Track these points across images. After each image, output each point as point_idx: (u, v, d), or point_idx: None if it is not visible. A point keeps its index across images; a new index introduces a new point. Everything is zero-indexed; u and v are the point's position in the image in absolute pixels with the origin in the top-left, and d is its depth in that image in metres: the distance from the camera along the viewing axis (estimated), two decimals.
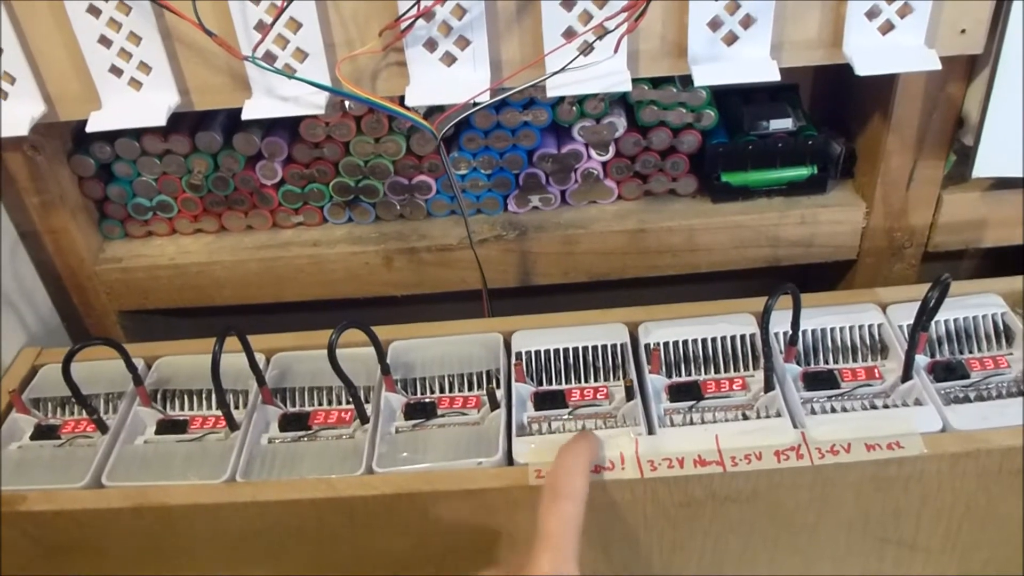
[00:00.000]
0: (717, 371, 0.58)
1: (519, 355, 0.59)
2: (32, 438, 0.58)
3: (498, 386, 0.57)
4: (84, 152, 0.67)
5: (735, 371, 0.58)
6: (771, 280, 0.70)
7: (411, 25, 0.54)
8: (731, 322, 0.59)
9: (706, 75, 0.56)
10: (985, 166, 0.63)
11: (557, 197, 0.70)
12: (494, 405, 0.55)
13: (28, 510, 0.53)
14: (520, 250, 0.70)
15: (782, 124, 0.66)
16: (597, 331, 0.60)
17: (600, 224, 0.69)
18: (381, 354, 0.56)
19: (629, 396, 0.55)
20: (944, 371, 0.56)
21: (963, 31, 0.56)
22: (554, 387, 0.58)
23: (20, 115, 0.58)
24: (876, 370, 0.57)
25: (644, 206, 0.70)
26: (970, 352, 0.58)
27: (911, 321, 0.55)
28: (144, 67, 0.57)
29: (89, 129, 0.58)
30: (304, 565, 0.56)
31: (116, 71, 0.57)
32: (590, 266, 0.71)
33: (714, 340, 0.59)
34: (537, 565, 0.42)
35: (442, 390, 0.59)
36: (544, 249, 0.70)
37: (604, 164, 0.69)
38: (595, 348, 0.59)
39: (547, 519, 0.44)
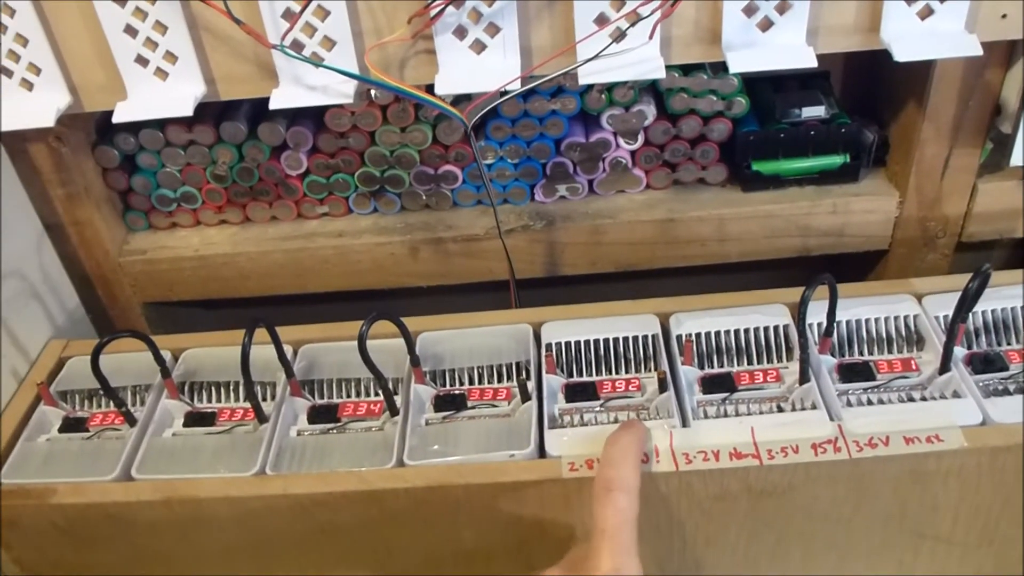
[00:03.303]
0: (750, 363, 0.57)
1: (549, 346, 0.58)
2: (60, 431, 0.58)
3: (528, 378, 0.56)
4: (108, 143, 0.67)
5: (769, 363, 0.57)
6: (802, 270, 0.70)
7: (440, 12, 0.54)
8: (764, 313, 0.58)
9: (741, 62, 0.55)
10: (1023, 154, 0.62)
11: (585, 186, 0.69)
12: (525, 397, 0.55)
13: (58, 503, 0.53)
14: (547, 240, 0.69)
15: (814, 112, 0.65)
16: (628, 322, 0.59)
17: (628, 214, 0.68)
18: (411, 345, 0.55)
19: (662, 388, 0.54)
20: (982, 363, 0.55)
21: (1004, 15, 0.54)
22: (585, 379, 0.57)
23: (46, 106, 0.57)
24: (912, 362, 0.56)
25: (673, 195, 0.69)
26: (1008, 344, 0.57)
27: (947, 312, 0.54)
28: (170, 57, 0.56)
29: (115, 120, 0.58)
30: (334, 558, 0.56)
31: (142, 61, 0.56)
32: (618, 256, 0.70)
33: (747, 331, 0.58)
34: (597, 562, 0.42)
35: (471, 382, 0.58)
36: (572, 239, 0.69)
37: (633, 153, 0.68)
38: (626, 339, 0.58)
39: (602, 514, 0.44)
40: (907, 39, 0.54)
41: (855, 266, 0.74)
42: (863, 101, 0.70)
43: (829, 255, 0.70)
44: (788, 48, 0.55)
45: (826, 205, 0.67)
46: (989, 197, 0.66)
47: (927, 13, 0.54)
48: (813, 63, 0.54)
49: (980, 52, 0.54)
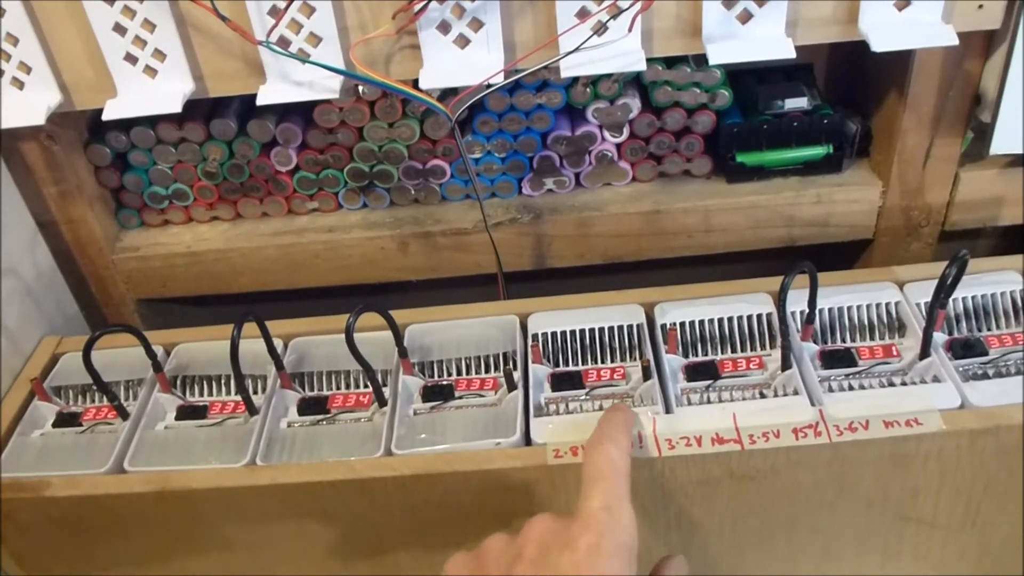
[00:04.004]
0: (734, 350, 0.58)
1: (535, 337, 0.59)
2: (54, 425, 0.59)
3: (515, 368, 0.57)
4: (100, 141, 0.68)
5: (752, 350, 0.58)
6: (787, 260, 0.70)
7: (424, 7, 0.54)
8: (748, 301, 0.59)
9: (721, 53, 0.56)
10: (1002, 143, 0.62)
11: (571, 180, 0.70)
12: (511, 386, 0.56)
13: (52, 495, 0.54)
14: (535, 233, 0.70)
15: (797, 103, 0.66)
16: (613, 312, 0.60)
17: (615, 206, 0.69)
18: (398, 337, 0.56)
19: (646, 376, 0.55)
20: (962, 348, 0.56)
21: (980, 6, 0.55)
22: (571, 368, 0.58)
23: (37, 104, 0.58)
24: (894, 348, 0.56)
25: (659, 187, 0.70)
26: (988, 329, 0.58)
27: (928, 299, 0.55)
28: (159, 54, 0.57)
29: (105, 117, 0.58)
30: (325, 547, 0.56)
31: (131, 59, 0.57)
32: (605, 248, 0.71)
33: (731, 320, 0.59)
34: (588, 503, 0.41)
35: (459, 372, 0.59)
36: (559, 232, 0.70)
37: (618, 146, 0.69)
38: (611, 329, 0.59)
39: (592, 460, 0.43)
40: (884, 30, 0.55)
41: (840, 256, 0.74)
42: (846, 92, 0.71)
43: (814, 245, 0.71)
44: (767, 40, 0.56)
45: (810, 195, 0.68)
46: (971, 186, 0.67)
47: (904, 4, 0.55)
48: (792, 54, 0.55)
49: (956, 42, 0.55)
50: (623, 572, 0.39)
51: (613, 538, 0.40)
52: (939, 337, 0.56)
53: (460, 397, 0.57)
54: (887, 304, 0.59)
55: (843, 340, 0.58)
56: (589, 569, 0.39)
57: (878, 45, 0.55)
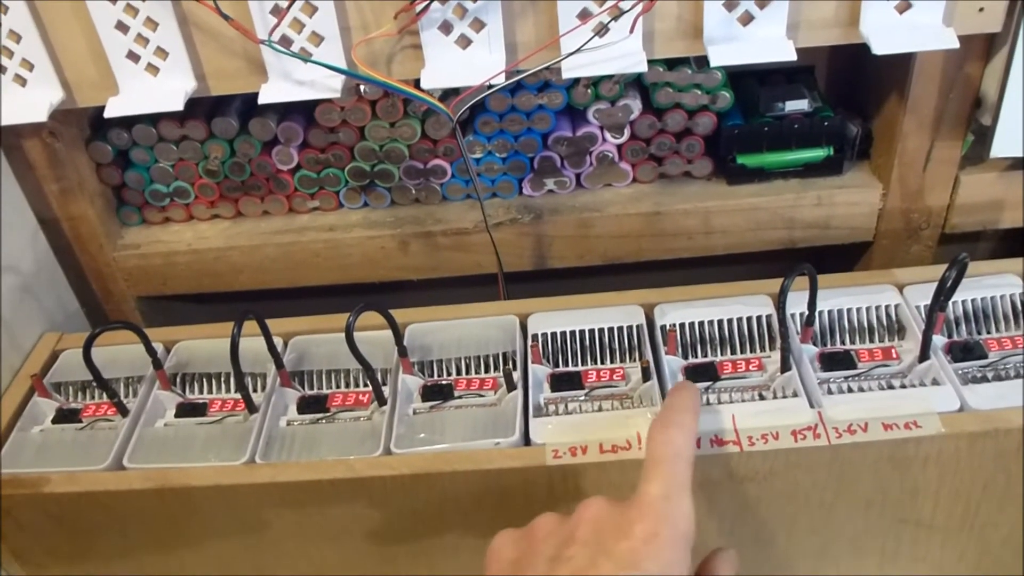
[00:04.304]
0: (734, 352, 0.58)
1: (535, 337, 0.59)
2: (54, 421, 0.59)
3: (515, 368, 0.57)
4: (101, 139, 0.68)
5: (751, 352, 0.58)
6: (787, 262, 0.70)
7: (426, 7, 0.54)
8: (747, 303, 0.59)
9: (722, 55, 0.56)
10: (1003, 146, 0.62)
11: (572, 180, 0.70)
12: (511, 386, 0.56)
13: (51, 492, 0.54)
14: (535, 233, 0.70)
15: (798, 105, 0.66)
16: (613, 313, 0.60)
17: (615, 207, 0.69)
18: (398, 336, 0.56)
19: (646, 377, 0.55)
20: (961, 351, 0.56)
21: (981, 9, 0.55)
22: (570, 368, 0.58)
23: (39, 101, 0.58)
24: (893, 350, 0.57)
25: (659, 189, 0.70)
26: (988, 332, 0.58)
27: (928, 302, 0.55)
28: (161, 52, 0.57)
29: (107, 115, 0.58)
30: (323, 545, 0.57)
31: (133, 57, 0.57)
32: (605, 249, 0.71)
33: (730, 321, 0.59)
34: (647, 488, 0.39)
35: (459, 372, 0.59)
36: (559, 232, 0.70)
37: (619, 147, 0.69)
38: (611, 330, 0.59)
39: (656, 446, 0.41)
40: (885, 32, 0.55)
41: (840, 258, 0.75)
42: (847, 95, 0.71)
43: (814, 247, 0.71)
44: (768, 42, 0.56)
45: (811, 197, 0.68)
46: (971, 189, 0.67)
47: (905, 7, 0.55)
48: (793, 56, 0.55)
49: (956, 45, 0.55)
50: (679, 563, 0.38)
51: (671, 528, 0.38)
52: (938, 340, 0.56)
53: (459, 397, 0.57)
54: (887, 307, 0.59)
55: (842, 342, 0.58)
56: (646, 558, 0.37)
57: (879, 48, 0.55)
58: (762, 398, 0.54)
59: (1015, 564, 0.58)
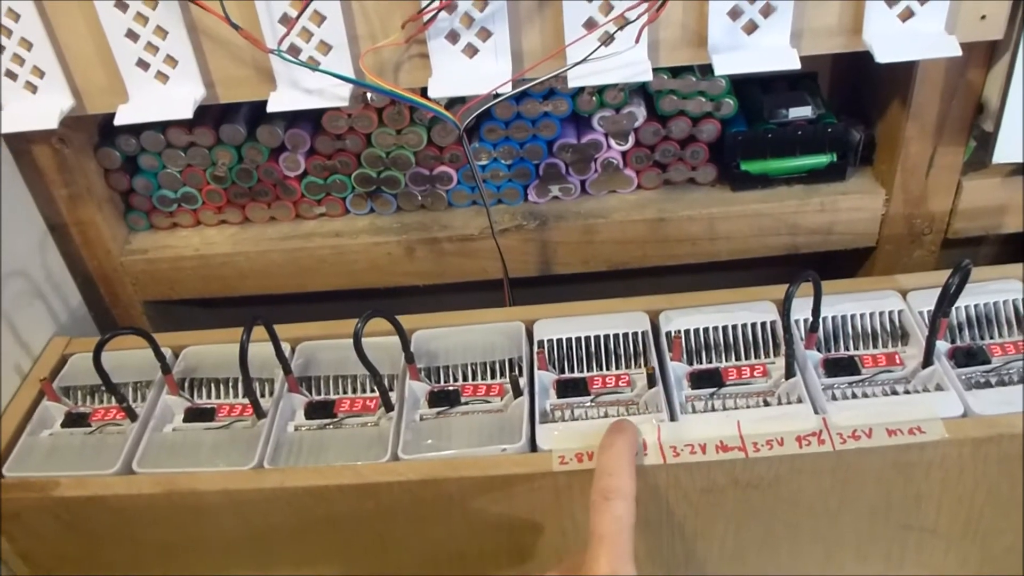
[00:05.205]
0: (738, 358, 0.58)
1: (541, 343, 0.59)
2: (63, 426, 0.59)
3: (520, 374, 0.58)
4: (110, 145, 0.68)
5: (756, 358, 0.58)
6: (790, 268, 0.71)
7: (434, 17, 0.55)
8: (752, 310, 0.59)
9: (726, 64, 0.56)
10: (1005, 152, 0.63)
11: (577, 187, 0.70)
12: (517, 393, 0.56)
13: (61, 495, 0.54)
14: (540, 240, 0.70)
15: (801, 112, 0.66)
16: (618, 319, 0.60)
17: (620, 213, 0.69)
18: (405, 343, 0.56)
19: (651, 383, 0.55)
20: (965, 356, 0.56)
21: (983, 17, 0.56)
22: (576, 375, 0.58)
23: (49, 108, 0.59)
24: (897, 356, 0.57)
25: (664, 195, 0.71)
26: (991, 338, 0.58)
27: (931, 307, 0.55)
28: (170, 60, 0.58)
29: (117, 122, 0.59)
30: (330, 550, 0.57)
31: (143, 65, 0.58)
32: (610, 255, 0.71)
33: (735, 327, 0.59)
34: (595, 566, 0.43)
35: (465, 378, 0.59)
36: (564, 238, 0.70)
37: (624, 154, 0.69)
38: (616, 336, 0.59)
39: (600, 521, 0.45)
40: (888, 40, 0.55)
41: (844, 263, 0.75)
42: (850, 101, 0.72)
43: (818, 253, 0.71)
44: (772, 50, 0.56)
45: (814, 204, 0.68)
46: (973, 194, 0.67)
47: (908, 15, 0.55)
48: (797, 65, 0.56)
49: (959, 53, 0.55)
50: None
51: None
52: (942, 345, 0.56)
53: (466, 403, 0.57)
54: (890, 312, 0.59)
55: (846, 348, 0.58)
56: None
57: (882, 56, 0.55)
58: (767, 404, 0.55)
59: (1018, 569, 0.58)
